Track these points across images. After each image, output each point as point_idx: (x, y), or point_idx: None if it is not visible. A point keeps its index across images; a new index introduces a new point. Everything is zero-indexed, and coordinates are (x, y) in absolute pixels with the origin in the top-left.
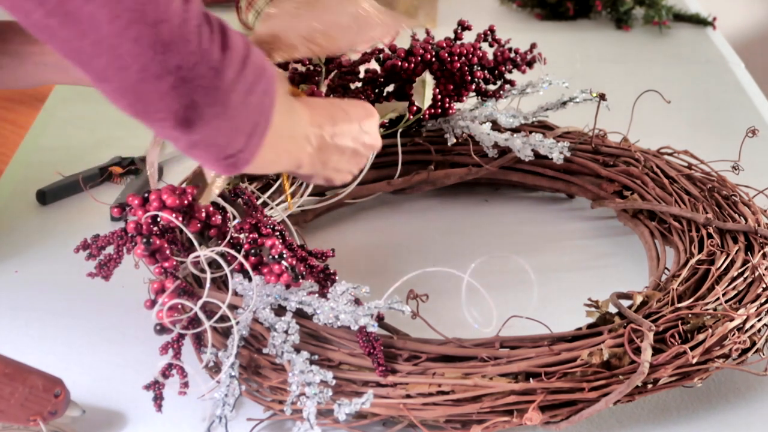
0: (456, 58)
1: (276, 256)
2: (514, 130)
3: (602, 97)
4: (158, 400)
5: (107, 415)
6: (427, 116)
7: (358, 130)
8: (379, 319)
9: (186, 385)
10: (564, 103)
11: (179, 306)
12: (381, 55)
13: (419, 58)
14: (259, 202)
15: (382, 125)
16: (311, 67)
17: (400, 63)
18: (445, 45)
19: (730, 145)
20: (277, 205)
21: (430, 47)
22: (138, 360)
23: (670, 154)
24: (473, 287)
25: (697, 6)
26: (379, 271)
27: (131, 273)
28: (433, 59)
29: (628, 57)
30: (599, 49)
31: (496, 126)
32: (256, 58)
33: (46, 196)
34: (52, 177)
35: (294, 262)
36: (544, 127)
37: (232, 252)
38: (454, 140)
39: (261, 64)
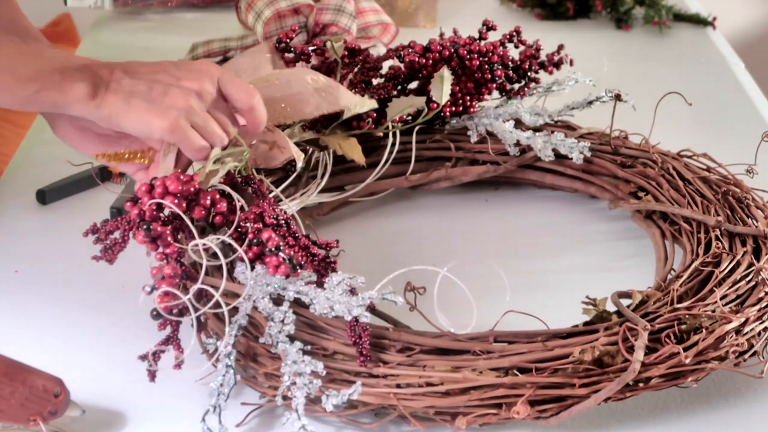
0: (475, 55)
1: (273, 249)
2: (537, 129)
3: (618, 97)
4: (152, 370)
5: (107, 415)
6: (448, 114)
7: (168, 67)
8: (371, 309)
9: (181, 361)
10: (590, 103)
11: (179, 288)
12: (402, 52)
13: (437, 54)
14: (272, 195)
15: (400, 120)
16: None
17: (417, 59)
18: (463, 43)
19: (729, 145)
20: (286, 198)
21: (448, 44)
22: (138, 360)
23: (689, 157)
24: (475, 287)
25: (697, 6)
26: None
27: (132, 273)
28: (453, 55)
29: (628, 57)
30: (599, 49)
31: (519, 124)
32: None
33: (46, 196)
34: (52, 177)
35: (291, 253)
36: (567, 128)
37: (232, 242)
38: (477, 138)
39: None
